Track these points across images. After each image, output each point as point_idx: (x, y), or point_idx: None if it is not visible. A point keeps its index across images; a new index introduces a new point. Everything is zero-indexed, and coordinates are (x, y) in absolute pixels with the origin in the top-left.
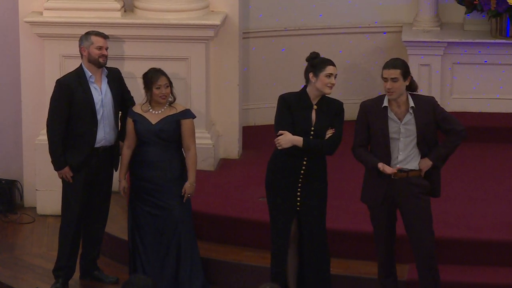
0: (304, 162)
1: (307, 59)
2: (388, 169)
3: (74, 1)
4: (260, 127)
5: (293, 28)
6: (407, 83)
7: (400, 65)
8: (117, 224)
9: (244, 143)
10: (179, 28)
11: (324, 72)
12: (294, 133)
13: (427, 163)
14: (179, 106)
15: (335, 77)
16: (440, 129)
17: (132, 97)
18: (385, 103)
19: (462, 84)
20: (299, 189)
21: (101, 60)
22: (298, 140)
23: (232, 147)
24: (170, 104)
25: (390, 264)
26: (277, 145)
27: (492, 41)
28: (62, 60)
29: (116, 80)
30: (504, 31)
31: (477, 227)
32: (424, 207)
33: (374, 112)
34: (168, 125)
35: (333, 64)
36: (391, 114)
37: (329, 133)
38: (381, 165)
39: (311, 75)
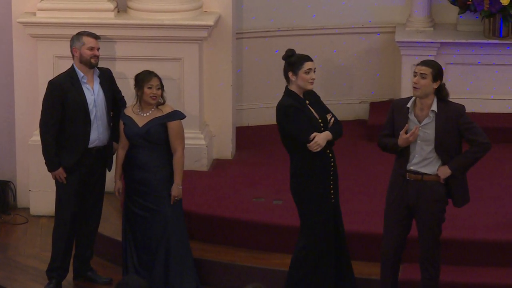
0: (330, 155)
1: (283, 58)
2: (408, 134)
3: (67, 2)
4: (253, 128)
5: (286, 28)
6: (435, 86)
7: (434, 65)
8: (110, 224)
9: (237, 144)
10: (173, 29)
11: (302, 69)
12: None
13: (446, 171)
14: (167, 108)
15: (314, 71)
16: (464, 139)
17: (123, 96)
18: (409, 104)
19: (456, 85)
20: (331, 182)
21: (93, 60)
22: (328, 134)
23: (225, 148)
24: (158, 106)
25: (394, 267)
26: (314, 148)
27: (485, 41)
28: (55, 60)
29: (107, 80)
30: (497, 31)
31: (472, 227)
32: (433, 213)
33: (399, 111)
34: (154, 128)
35: (310, 59)
36: (411, 116)
37: (330, 117)
38: (401, 134)
39: (290, 74)
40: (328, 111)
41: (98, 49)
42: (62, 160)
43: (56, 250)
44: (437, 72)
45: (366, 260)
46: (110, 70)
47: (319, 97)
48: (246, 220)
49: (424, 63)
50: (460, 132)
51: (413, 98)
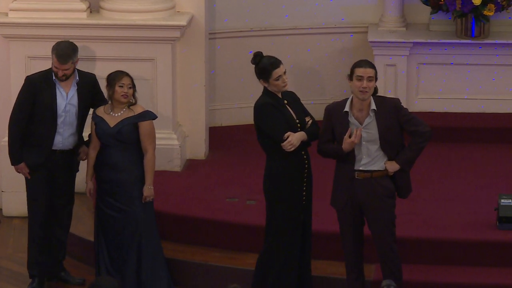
0: (305, 156)
1: (252, 62)
2: (352, 138)
3: (39, 2)
4: (226, 128)
5: (259, 28)
6: (375, 84)
7: (374, 65)
8: (83, 225)
9: (210, 144)
10: (145, 29)
11: (272, 78)
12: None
13: (394, 166)
14: (138, 108)
15: (285, 73)
16: (405, 131)
17: (103, 97)
18: (346, 108)
19: (428, 84)
20: (305, 184)
21: (59, 76)
22: (303, 135)
23: (198, 148)
24: (129, 106)
25: (358, 266)
26: (288, 148)
27: (458, 41)
28: (27, 61)
29: (88, 86)
30: (469, 31)
31: (442, 226)
32: (386, 209)
33: (337, 116)
34: (125, 128)
35: (278, 65)
36: (351, 119)
37: (308, 120)
38: (345, 138)
39: (261, 81)
40: (307, 114)
41: (67, 69)
42: (26, 158)
43: (32, 248)
44: (377, 71)
45: (340, 260)
46: (94, 76)
47: (298, 98)
48: (219, 220)
49: (367, 64)
50: (400, 125)
51: (349, 101)
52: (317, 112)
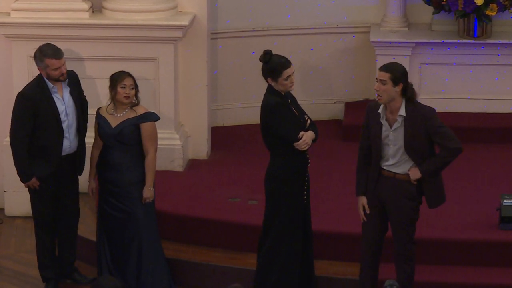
0: (308, 156)
1: (261, 60)
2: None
3: (42, 2)
4: (228, 128)
5: (261, 28)
6: (397, 89)
7: (393, 69)
8: (85, 225)
9: (212, 144)
10: (147, 29)
11: (282, 77)
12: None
13: (416, 174)
14: (140, 109)
15: (293, 73)
16: (434, 142)
17: (85, 96)
18: (380, 110)
19: (430, 84)
20: (306, 183)
21: (61, 78)
22: (313, 134)
23: (200, 148)
24: (132, 107)
25: (370, 265)
26: (303, 147)
27: (460, 41)
28: (30, 60)
29: (76, 85)
30: (471, 31)
31: (444, 226)
32: (404, 210)
33: (373, 115)
34: (127, 129)
35: (289, 65)
36: (383, 121)
37: (307, 119)
38: (359, 201)
39: (269, 80)
40: (305, 113)
41: (64, 64)
42: (36, 170)
43: (42, 253)
44: (397, 76)
45: (343, 260)
46: (75, 73)
47: (295, 98)
48: (221, 220)
49: (383, 68)
50: (429, 135)
51: None
52: (319, 112)
